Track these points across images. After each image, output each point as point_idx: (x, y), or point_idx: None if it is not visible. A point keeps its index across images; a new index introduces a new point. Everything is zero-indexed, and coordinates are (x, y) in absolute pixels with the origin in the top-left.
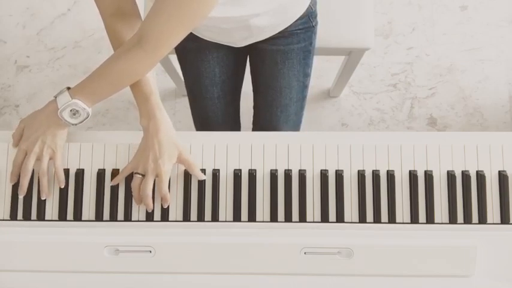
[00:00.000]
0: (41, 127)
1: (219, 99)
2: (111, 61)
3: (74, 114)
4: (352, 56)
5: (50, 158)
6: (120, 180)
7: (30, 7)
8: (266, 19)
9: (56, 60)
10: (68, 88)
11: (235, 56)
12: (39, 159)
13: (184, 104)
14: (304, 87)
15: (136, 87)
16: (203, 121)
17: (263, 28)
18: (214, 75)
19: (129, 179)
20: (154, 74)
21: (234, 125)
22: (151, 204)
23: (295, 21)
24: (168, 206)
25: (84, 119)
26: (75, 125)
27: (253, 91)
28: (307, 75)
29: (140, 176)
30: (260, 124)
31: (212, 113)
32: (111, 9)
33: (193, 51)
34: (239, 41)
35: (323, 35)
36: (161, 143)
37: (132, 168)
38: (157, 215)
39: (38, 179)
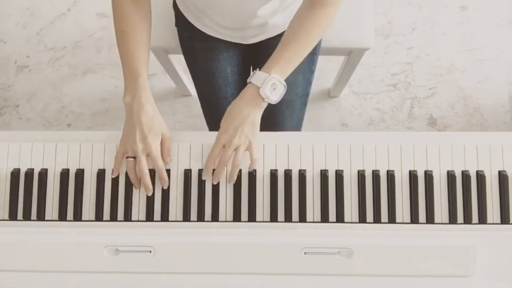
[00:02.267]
0: (238, 117)
1: (233, 97)
2: (292, 30)
3: (274, 89)
4: (352, 56)
5: (246, 149)
6: (119, 169)
7: (30, 7)
8: (282, 17)
9: (56, 60)
10: (258, 69)
11: (244, 54)
12: (237, 151)
13: (184, 104)
14: (309, 83)
15: (128, 65)
16: (218, 121)
17: (278, 26)
18: (226, 74)
19: (129, 180)
20: (148, 54)
21: None
22: (150, 184)
23: None
24: (168, 206)
25: (282, 94)
26: (275, 102)
27: None
28: (312, 72)
29: (132, 159)
30: (265, 119)
31: None
32: None
33: (202, 52)
34: (250, 37)
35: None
36: (146, 122)
37: (123, 153)
38: (157, 215)
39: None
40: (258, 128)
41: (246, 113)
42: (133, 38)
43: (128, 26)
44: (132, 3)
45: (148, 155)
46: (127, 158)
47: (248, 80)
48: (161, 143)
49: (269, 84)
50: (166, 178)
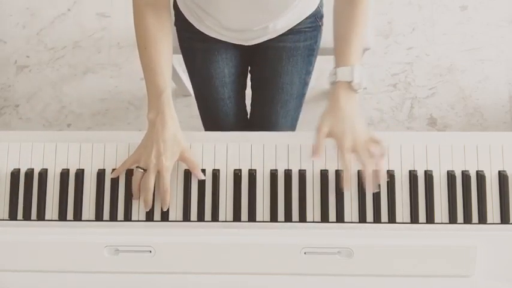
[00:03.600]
0: (346, 117)
1: (230, 99)
2: (345, 19)
3: (362, 78)
4: None
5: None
6: (121, 172)
7: (30, 7)
8: (283, 21)
9: (56, 60)
10: (334, 68)
11: (242, 55)
12: (368, 146)
13: (184, 104)
14: (305, 84)
15: (152, 80)
16: (214, 122)
17: (279, 29)
18: (224, 75)
19: (129, 178)
20: (171, 69)
21: (244, 124)
22: (151, 201)
23: (305, 19)
24: (168, 206)
25: (366, 77)
26: (366, 88)
27: (251, 87)
28: (309, 73)
29: (141, 171)
30: (258, 119)
31: (223, 113)
32: None
33: (201, 52)
34: (252, 39)
35: (323, 35)
36: (166, 139)
37: (134, 161)
38: (157, 215)
39: None
40: (363, 117)
41: (350, 109)
42: (156, 54)
43: (150, 43)
44: (154, 18)
45: (158, 172)
46: (137, 167)
47: (332, 80)
48: (185, 162)
49: (357, 73)
50: (168, 201)
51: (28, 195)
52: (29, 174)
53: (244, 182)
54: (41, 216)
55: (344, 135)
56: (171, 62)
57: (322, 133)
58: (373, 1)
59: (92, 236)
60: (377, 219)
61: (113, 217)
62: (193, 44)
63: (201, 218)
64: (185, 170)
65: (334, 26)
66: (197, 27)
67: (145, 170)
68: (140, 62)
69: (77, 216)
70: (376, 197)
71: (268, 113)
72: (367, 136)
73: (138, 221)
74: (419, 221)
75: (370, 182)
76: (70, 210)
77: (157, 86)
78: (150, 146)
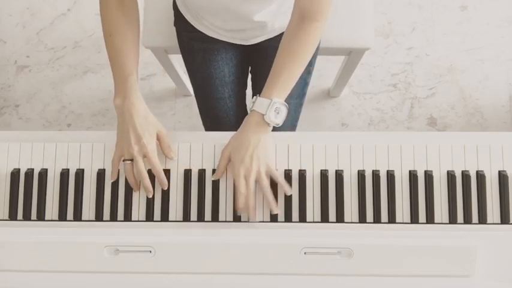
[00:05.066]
0: (250, 145)
1: (230, 99)
2: (286, 51)
3: (278, 113)
4: (352, 56)
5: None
6: (116, 173)
7: (30, 7)
8: (282, 20)
9: (56, 60)
10: (254, 96)
11: (242, 55)
12: (259, 179)
13: (184, 104)
14: (305, 84)
15: (117, 66)
16: (214, 122)
17: (277, 28)
18: (224, 75)
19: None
20: (138, 56)
21: None
22: (151, 186)
23: None
24: (168, 206)
25: (285, 115)
26: (279, 125)
27: (252, 87)
28: (309, 73)
29: (129, 162)
30: None
31: (223, 113)
32: None
33: (201, 52)
34: (250, 39)
35: (323, 35)
36: (139, 123)
37: (119, 156)
38: (157, 215)
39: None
40: (271, 150)
41: (256, 140)
42: (121, 40)
43: (115, 30)
44: (119, 7)
45: (145, 156)
46: (124, 161)
47: (250, 108)
48: (159, 141)
49: (272, 109)
50: (165, 179)
51: (28, 196)
52: (29, 174)
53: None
54: (41, 217)
55: (238, 164)
56: (138, 50)
57: (224, 157)
58: (373, 1)
59: (92, 236)
60: (377, 219)
61: (113, 217)
62: (193, 44)
63: (201, 218)
64: (185, 170)
65: (278, 49)
66: (196, 27)
67: (132, 161)
68: (106, 50)
69: (77, 216)
70: (376, 197)
71: None
72: (265, 169)
73: (138, 221)
74: (419, 221)
75: (253, 209)
76: (70, 210)
77: (122, 71)
78: (127, 135)
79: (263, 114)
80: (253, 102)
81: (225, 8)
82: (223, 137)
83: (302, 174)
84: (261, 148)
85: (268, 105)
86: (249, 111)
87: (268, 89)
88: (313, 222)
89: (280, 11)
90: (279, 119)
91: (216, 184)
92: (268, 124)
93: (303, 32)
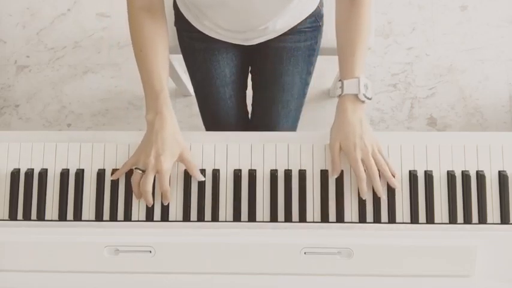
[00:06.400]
0: (356, 128)
1: (231, 99)
2: (348, 33)
3: (367, 88)
4: None
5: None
6: (120, 175)
7: (30, 7)
8: (283, 21)
9: (56, 60)
10: (340, 81)
11: (243, 55)
12: (375, 157)
13: (184, 104)
14: (306, 84)
15: (149, 82)
16: (215, 122)
17: (278, 30)
18: (225, 75)
19: (128, 178)
20: (168, 70)
21: (245, 124)
22: (151, 200)
23: (305, 19)
24: (168, 206)
25: (372, 87)
26: (371, 99)
27: (252, 88)
28: (309, 73)
29: (140, 172)
30: (259, 120)
31: (224, 113)
32: (141, 2)
33: (202, 52)
34: (251, 39)
35: (324, 35)
36: (165, 139)
37: (133, 163)
38: (157, 215)
39: None
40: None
41: (358, 121)
42: (152, 56)
43: (144, 44)
44: (149, 20)
45: (157, 172)
46: (136, 169)
47: (339, 94)
48: (184, 163)
49: (362, 85)
50: (170, 198)
51: (28, 195)
52: (29, 174)
53: (244, 182)
54: (41, 217)
55: (354, 149)
56: (168, 64)
57: (336, 150)
58: (373, 1)
59: (92, 236)
60: (377, 219)
61: (113, 217)
62: (194, 44)
63: (201, 218)
64: (185, 170)
65: (337, 35)
66: (197, 27)
67: (144, 171)
68: (137, 65)
69: (77, 216)
70: (376, 197)
71: (269, 114)
72: (375, 145)
73: (138, 221)
74: (419, 221)
75: (380, 189)
76: (70, 210)
77: (154, 87)
78: (149, 147)
79: (356, 94)
80: (341, 88)
81: (228, 5)
82: (223, 137)
83: (302, 174)
84: (366, 126)
85: (358, 83)
86: (337, 98)
87: (349, 70)
88: (313, 222)
89: (281, 13)
90: (370, 93)
91: (216, 184)
92: (363, 101)
93: (357, 15)
